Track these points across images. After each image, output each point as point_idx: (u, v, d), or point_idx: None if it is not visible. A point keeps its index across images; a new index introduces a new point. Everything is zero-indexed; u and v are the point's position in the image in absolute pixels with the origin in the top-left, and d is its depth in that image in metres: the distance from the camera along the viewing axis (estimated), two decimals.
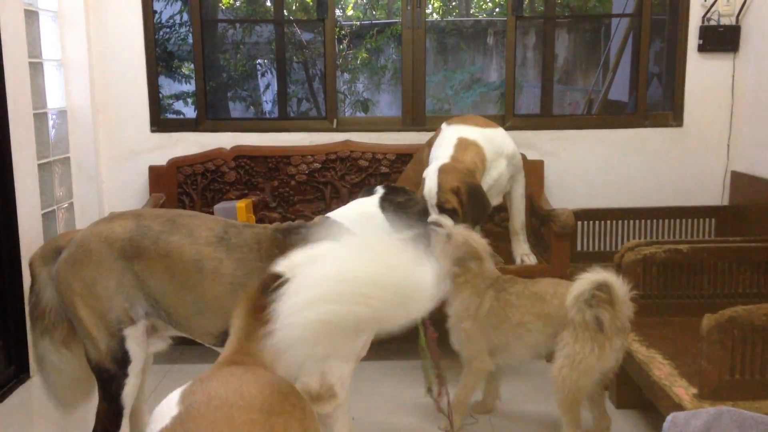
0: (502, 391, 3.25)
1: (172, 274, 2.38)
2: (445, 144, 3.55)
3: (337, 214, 2.55)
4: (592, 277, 2.64)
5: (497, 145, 3.60)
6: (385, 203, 2.54)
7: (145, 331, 2.44)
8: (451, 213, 3.31)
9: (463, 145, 3.50)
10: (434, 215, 3.30)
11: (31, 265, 2.54)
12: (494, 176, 3.55)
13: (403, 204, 2.56)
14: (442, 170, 3.37)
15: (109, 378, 2.41)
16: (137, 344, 2.42)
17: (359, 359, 2.53)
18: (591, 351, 2.65)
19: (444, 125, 3.72)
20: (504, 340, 2.93)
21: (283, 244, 2.39)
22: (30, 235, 3.63)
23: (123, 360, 2.40)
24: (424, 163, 3.66)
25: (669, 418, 1.07)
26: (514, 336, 2.89)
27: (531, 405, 3.30)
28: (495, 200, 3.68)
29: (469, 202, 3.31)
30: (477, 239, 2.98)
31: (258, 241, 2.43)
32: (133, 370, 2.42)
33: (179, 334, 2.53)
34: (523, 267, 3.66)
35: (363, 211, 2.53)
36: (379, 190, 2.63)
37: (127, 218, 2.46)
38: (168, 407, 1.40)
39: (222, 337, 2.34)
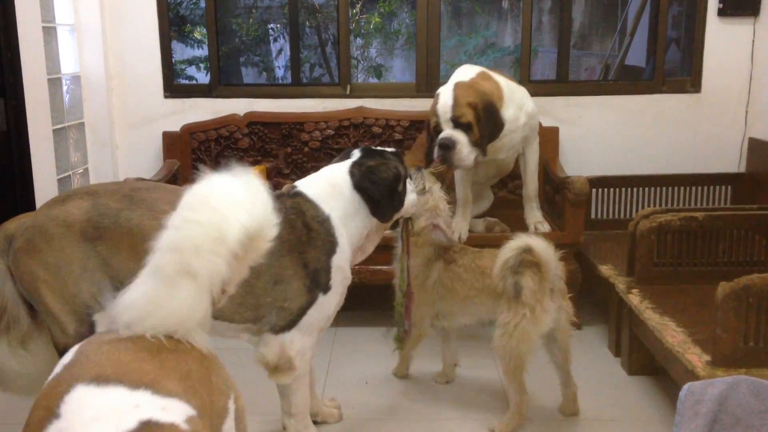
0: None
1: (136, 251, 2.24)
2: (466, 71, 3.46)
3: (305, 183, 2.56)
4: (515, 243, 2.65)
5: (518, 97, 3.50)
6: (355, 169, 2.55)
7: None
8: (466, 128, 3.23)
9: (484, 76, 3.43)
10: (447, 130, 3.24)
11: None
12: (508, 126, 3.42)
13: (373, 168, 2.54)
14: (458, 86, 3.30)
15: None
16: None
17: (321, 332, 2.55)
18: (523, 317, 2.66)
19: None
20: (449, 309, 2.97)
21: None
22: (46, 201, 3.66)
23: None
24: None
25: (685, 387, 1.08)
26: (460, 307, 2.94)
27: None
28: (503, 154, 3.58)
29: (485, 117, 3.23)
30: (444, 210, 2.94)
31: None
32: None
33: None
34: (535, 235, 3.65)
35: (331, 179, 2.54)
36: (355, 154, 2.63)
37: (81, 198, 2.37)
38: (64, 357, 1.42)
39: None
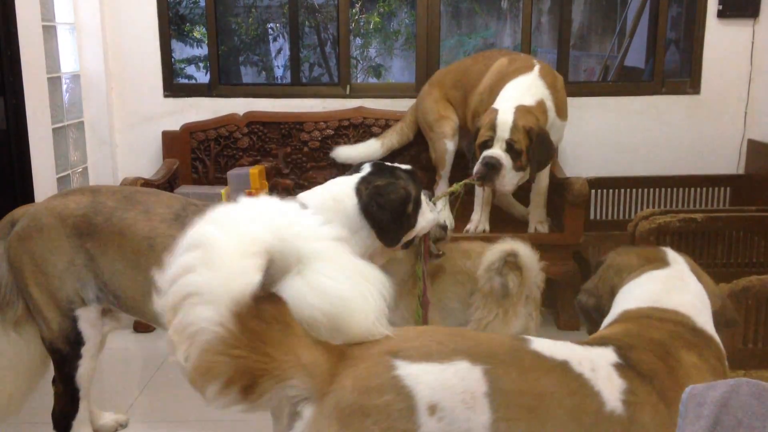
0: None
1: (124, 252, 2.27)
2: (527, 92, 3.39)
3: (307, 195, 2.44)
4: (502, 246, 2.63)
5: (556, 123, 3.56)
6: (362, 186, 2.41)
7: (99, 313, 2.38)
8: (516, 154, 3.20)
9: (541, 107, 3.42)
10: (497, 150, 3.17)
11: None
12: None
13: (381, 188, 2.40)
14: (520, 109, 3.26)
15: (62, 359, 2.36)
16: (91, 325, 2.35)
17: None
18: (495, 316, 2.65)
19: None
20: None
21: None
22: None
23: (76, 341, 2.34)
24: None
25: (687, 389, 1.09)
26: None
27: None
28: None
29: (538, 145, 3.22)
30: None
31: None
32: (88, 351, 2.36)
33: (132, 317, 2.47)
34: (535, 235, 3.64)
35: (335, 194, 2.41)
36: (365, 169, 2.51)
37: (83, 193, 2.38)
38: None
39: None
